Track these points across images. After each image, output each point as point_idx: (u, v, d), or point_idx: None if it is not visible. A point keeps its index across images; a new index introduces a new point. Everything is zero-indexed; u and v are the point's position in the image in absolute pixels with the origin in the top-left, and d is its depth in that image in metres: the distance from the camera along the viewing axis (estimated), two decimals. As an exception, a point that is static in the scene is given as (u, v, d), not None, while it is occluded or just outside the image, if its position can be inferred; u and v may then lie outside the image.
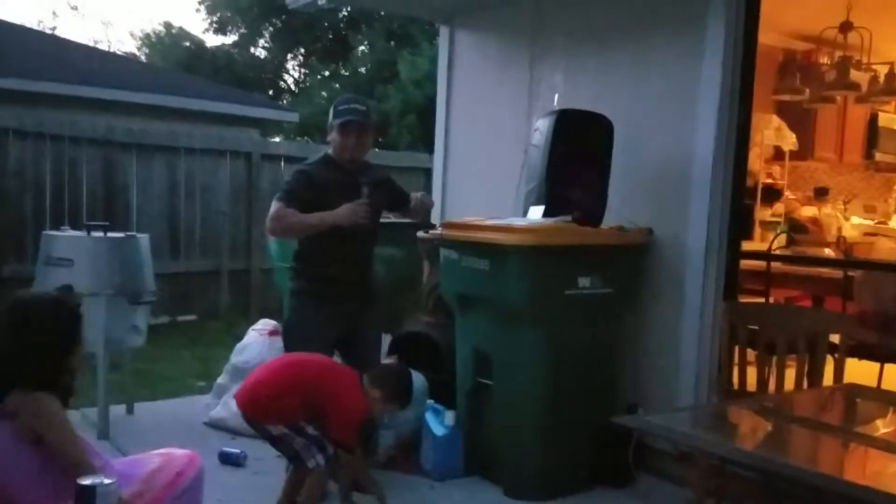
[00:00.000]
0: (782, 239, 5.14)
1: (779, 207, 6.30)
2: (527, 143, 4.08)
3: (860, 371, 3.62)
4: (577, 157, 3.76)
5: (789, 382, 3.14)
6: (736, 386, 3.27)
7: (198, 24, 34.76)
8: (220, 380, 4.72)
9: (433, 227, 4.28)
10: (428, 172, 6.76)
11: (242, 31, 20.06)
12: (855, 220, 6.64)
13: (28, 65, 9.57)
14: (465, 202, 5.04)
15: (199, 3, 20.07)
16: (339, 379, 3.21)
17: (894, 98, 6.49)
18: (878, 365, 4.14)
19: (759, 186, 6.12)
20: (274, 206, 3.46)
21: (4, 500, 2.25)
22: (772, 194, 6.35)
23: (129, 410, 4.79)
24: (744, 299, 4.15)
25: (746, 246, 4.60)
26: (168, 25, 20.73)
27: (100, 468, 2.23)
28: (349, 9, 17.28)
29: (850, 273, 4.58)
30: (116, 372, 4.71)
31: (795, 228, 5.88)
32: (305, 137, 16.22)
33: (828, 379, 3.04)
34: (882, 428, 2.59)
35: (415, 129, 14.47)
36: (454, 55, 5.37)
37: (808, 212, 6.41)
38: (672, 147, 3.92)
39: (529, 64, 4.68)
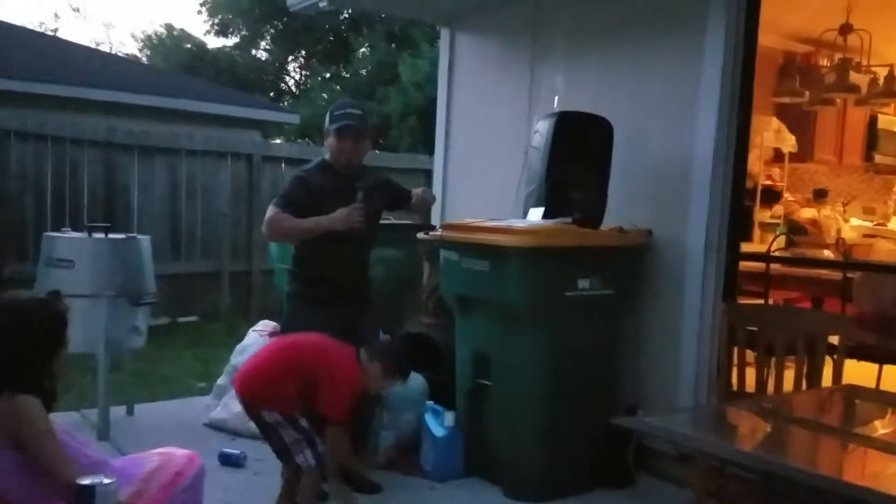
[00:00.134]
0: (781, 240, 5.14)
1: (778, 209, 6.31)
2: (527, 144, 4.08)
3: (859, 372, 3.62)
4: (577, 158, 3.77)
5: (788, 383, 3.14)
6: (735, 387, 3.27)
7: (199, 26, 34.79)
8: (220, 381, 4.73)
9: (433, 228, 4.28)
10: (428, 174, 6.76)
11: (244, 33, 20.10)
12: (854, 221, 6.64)
13: (30, 66, 9.59)
14: (465, 203, 5.05)
15: (201, 6, 20.12)
16: (335, 354, 3.20)
17: (894, 100, 6.49)
18: (876, 366, 4.14)
19: (759, 188, 6.13)
20: (270, 211, 3.50)
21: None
22: (771, 196, 6.35)
23: (130, 411, 4.80)
24: (743, 301, 4.16)
25: (746, 247, 4.61)
26: (169, 27, 20.81)
27: (77, 475, 2.17)
28: (350, 11, 17.31)
29: (849, 275, 4.58)
30: (117, 373, 4.72)
31: (795, 230, 5.88)
32: (306, 139, 16.24)
33: (827, 380, 3.04)
34: (881, 429, 2.60)
35: (415, 131, 14.48)
36: (455, 57, 5.38)
37: (807, 213, 6.41)
38: (672, 149, 3.93)
39: (530, 66, 4.69)
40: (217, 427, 4.47)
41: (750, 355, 3.31)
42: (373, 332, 3.81)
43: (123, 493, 2.29)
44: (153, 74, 13.67)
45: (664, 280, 3.91)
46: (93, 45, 19.63)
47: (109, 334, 4.25)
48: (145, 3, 39.11)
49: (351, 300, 3.61)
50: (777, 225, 5.95)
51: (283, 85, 21.32)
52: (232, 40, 20.35)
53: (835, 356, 3.07)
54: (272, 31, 19.98)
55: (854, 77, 5.83)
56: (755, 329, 3.28)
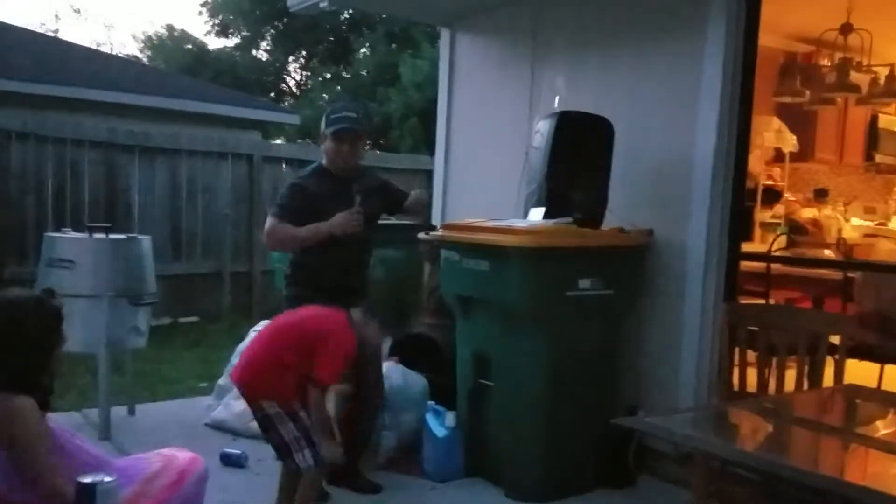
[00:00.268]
0: (782, 240, 5.14)
1: (779, 209, 6.29)
2: (528, 144, 4.08)
3: (860, 372, 3.60)
4: (578, 158, 3.77)
5: (789, 383, 3.14)
6: (736, 387, 3.27)
7: (200, 27, 34.88)
8: (221, 381, 4.73)
9: (434, 228, 4.29)
10: (429, 174, 6.76)
11: (244, 33, 20.12)
12: (855, 221, 6.63)
13: (30, 67, 9.60)
14: (465, 204, 5.05)
15: (202, 6, 20.15)
16: (328, 319, 3.19)
17: (894, 100, 6.49)
18: (878, 366, 4.14)
19: (760, 188, 6.12)
20: (268, 221, 3.52)
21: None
22: (772, 196, 6.34)
23: (131, 411, 4.80)
24: (744, 301, 4.15)
25: (746, 247, 4.60)
26: (170, 28, 20.86)
27: (63, 484, 2.17)
28: (350, 11, 17.32)
29: (850, 274, 4.57)
30: (118, 373, 4.72)
31: (795, 230, 5.87)
32: (307, 139, 16.24)
33: (828, 380, 3.04)
34: (882, 429, 2.59)
35: (416, 132, 14.49)
36: (455, 58, 5.38)
37: (808, 213, 6.40)
38: (673, 149, 3.93)
39: (530, 66, 4.69)
40: (218, 427, 4.47)
41: (751, 355, 3.30)
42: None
43: (125, 493, 2.29)
44: (154, 75, 13.68)
45: (665, 280, 3.91)
46: (93, 46, 19.61)
47: (110, 334, 4.25)
48: (146, 4, 39.19)
49: (349, 303, 3.60)
50: (778, 225, 5.94)
51: (283, 85, 21.34)
52: (232, 41, 20.40)
53: (836, 356, 3.06)
54: (273, 31, 20.00)
55: (855, 77, 5.82)
56: (756, 329, 3.27)
